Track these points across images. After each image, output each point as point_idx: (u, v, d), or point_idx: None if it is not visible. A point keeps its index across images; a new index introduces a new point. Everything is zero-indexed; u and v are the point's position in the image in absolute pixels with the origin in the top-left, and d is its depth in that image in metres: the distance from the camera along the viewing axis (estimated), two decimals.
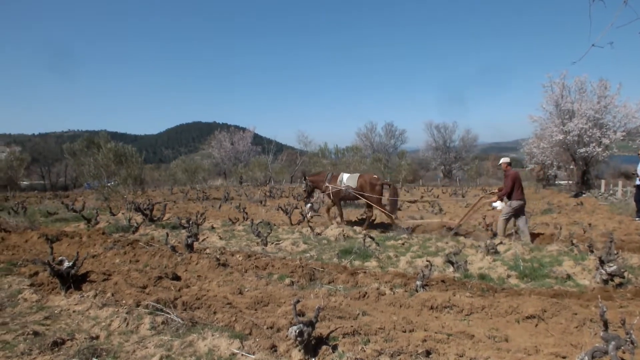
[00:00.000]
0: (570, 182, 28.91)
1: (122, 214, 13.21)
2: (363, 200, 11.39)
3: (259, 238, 8.77)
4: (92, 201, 19.30)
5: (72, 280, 5.12)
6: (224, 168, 50.33)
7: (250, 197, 22.82)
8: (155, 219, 11.69)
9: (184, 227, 9.00)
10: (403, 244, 8.80)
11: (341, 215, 11.81)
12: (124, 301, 4.59)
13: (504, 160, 9.53)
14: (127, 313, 4.20)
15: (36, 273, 5.80)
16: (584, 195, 22.14)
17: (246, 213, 13.24)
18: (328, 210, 12.36)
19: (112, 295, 4.78)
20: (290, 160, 50.33)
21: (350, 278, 5.94)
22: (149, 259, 6.93)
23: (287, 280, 5.81)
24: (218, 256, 6.92)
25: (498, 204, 9.55)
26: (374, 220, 11.62)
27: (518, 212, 9.25)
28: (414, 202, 16.67)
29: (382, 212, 11.32)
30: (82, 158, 24.61)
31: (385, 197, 11.73)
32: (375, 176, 11.58)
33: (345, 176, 11.68)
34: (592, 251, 6.95)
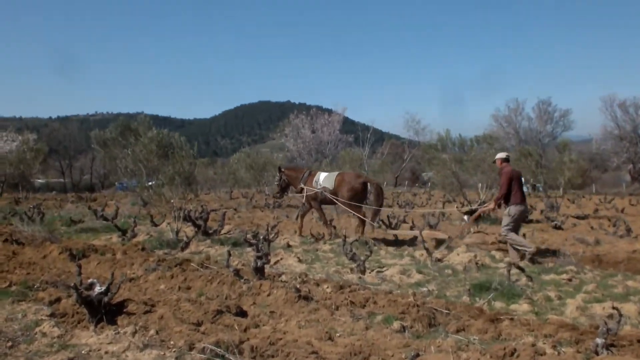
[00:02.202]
0: None
1: (168, 224, 13.82)
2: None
3: (354, 262, 8.91)
4: (127, 206, 20.53)
5: (105, 311, 5.37)
6: (303, 164, 51.26)
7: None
8: (210, 231, 12.18)
9: (251, 245, 9.12)
10: (570, 279, 8.43)
11: (325, 223, 13.78)
12: (172, 342, 4.76)
13: (499, 155, 10.63)
14: (176, 358, 4.34)
15: (58, 299, 6.07)
16: None
17: (334, 227, 13.43)
18: (303, 216, 14.21)
19: (157, 333, 4.97)
20: (394, 154, 50.07)
21: (489, 326, 5.77)
22: (204, 286, 7.18)
23: (396, 324, 5.77)
24: (298, 285, 7.06)
25: None
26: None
27: (520, 221, 10.46)
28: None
29: (358, 217, 12.98)
30: (115, 150, 26.10)
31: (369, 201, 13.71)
32: (356, 173, 13.82)
33: (322, 176, 13.63)
34: None
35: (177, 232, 11.87)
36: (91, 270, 8.23)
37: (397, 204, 25.10)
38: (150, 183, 21.73)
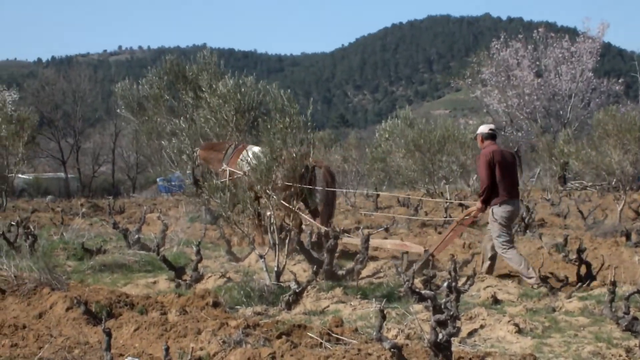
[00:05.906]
0: None
1: (260, 257, 10.42)
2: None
3: (635, 335, 6.42)
4: (181, 224, 16.00)
5: None
6: (517, 139, 36.60)
7: (596, 222, 16.05)
8: (341, 272, 9.49)
9: (422, 299, 7.27)
10: None
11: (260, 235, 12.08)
12: None
13: (480, 129, 9.76)
14: None
15: None
16: None
17: (587, 265, 9.84)
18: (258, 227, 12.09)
19: None
20: None
21: None
22: None
23: None
24: None
25: None
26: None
27: (510, 227, 9.81)
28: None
29: (297, 215, 11.18)
30: (159, 117, 18.02)
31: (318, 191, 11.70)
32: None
33: (253, 151, 11.50)
34: None
35: (279, 274, 9.29)
36: (125, 341, 6.58)
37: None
38: (221, 179, 14.97)
